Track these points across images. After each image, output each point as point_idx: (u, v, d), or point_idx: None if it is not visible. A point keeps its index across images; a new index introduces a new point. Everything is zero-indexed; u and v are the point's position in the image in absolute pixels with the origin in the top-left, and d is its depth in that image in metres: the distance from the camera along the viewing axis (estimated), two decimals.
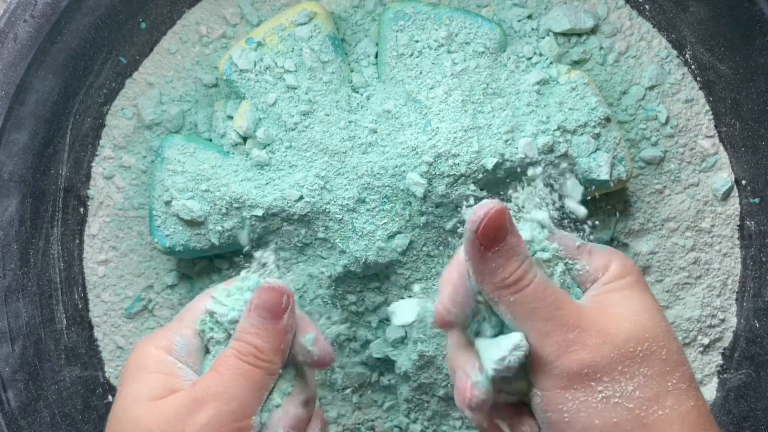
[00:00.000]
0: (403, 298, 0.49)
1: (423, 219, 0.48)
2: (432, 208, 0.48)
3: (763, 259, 0.51)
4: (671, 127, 0.51)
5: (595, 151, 0.48)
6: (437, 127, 0.47)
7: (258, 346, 0.38)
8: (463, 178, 0.47)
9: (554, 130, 0.47)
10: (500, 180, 0.48)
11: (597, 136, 0.48)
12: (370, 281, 0.50)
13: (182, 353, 0.39)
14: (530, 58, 0.49)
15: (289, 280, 0.50)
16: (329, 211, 0.48)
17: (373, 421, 0.53)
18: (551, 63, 0.49)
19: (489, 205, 0.36)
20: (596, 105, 0.47)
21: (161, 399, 0.37)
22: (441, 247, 0.49)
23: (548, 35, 0.50)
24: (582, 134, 0.47)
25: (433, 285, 0.49)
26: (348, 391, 0.53)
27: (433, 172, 0.47)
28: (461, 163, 0.46)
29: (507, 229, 0.36)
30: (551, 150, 0.47)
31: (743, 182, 0.51)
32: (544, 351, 0.36)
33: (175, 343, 0.39)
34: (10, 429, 0.49)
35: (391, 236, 0.48)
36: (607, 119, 0.48)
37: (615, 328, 0.36)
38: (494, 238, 0.36)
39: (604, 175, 0.47)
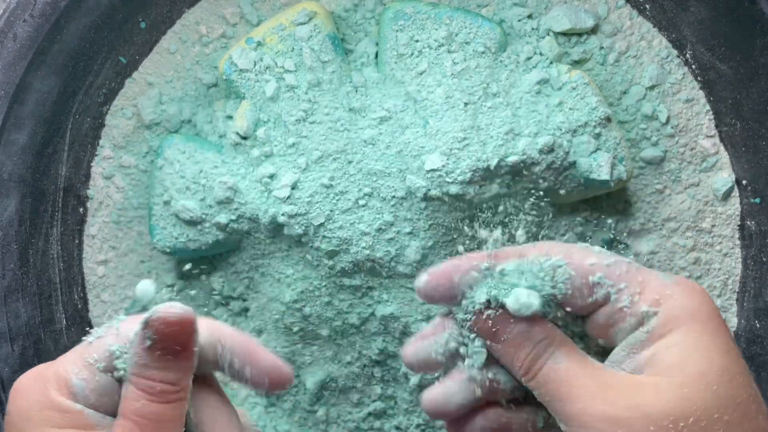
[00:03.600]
0: (395, 303, 0.49)
1: (423, 220, 0.48)
2: (432, 209, 0.48)
3: (764, 259, 0.51)
4: (672, 127, 0.51)
5: (595, 151, 0.47)
6: (437, 128, 0.47)
7: (166, 379, 0.33)
8: (464, 177, 0.47)
9: (554, 130, 0.47)
10: (493, 196, 0.48)
11: (597, 136, 0.47)
12: (369, 290, 0.50)
13: (90, 396, 0.34)
14: (530, 58, 0.49)
15: (289, 288, 0.50)
16: (329, 212, 0.48)
17: (372, 421, 0.53)
18: (551, 63, 0.49)
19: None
20: (597, 105, 0.47)
21: None
22: (441, 248, 0.49)
23: (548, 35, 0.50)
24: (582, 134, 0.47)
25: None
26: (347, 391, 0.53)
27: (434, 174, 0.47)
28: (461, 163, 0.46)
29: (504, 325, 0.34)
30: (551, 150, 0.47)
31: (744, 182, 0.51)
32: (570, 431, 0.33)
33: (74, 387, 0.33)
34: None
35: (391, 239, 0.48)
36: (608, 119, 0.48)
37: (650, 401, 0.32)
38: (495, 335, 0.35)
39: (604, 176, 0.47)
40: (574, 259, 0.35)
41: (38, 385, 0.34)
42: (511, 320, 0.34)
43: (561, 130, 0.47)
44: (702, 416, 0.31)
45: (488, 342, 0.35)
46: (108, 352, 0.34)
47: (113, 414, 0.34)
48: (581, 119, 0.47)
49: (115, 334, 0.34)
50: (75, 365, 0.34)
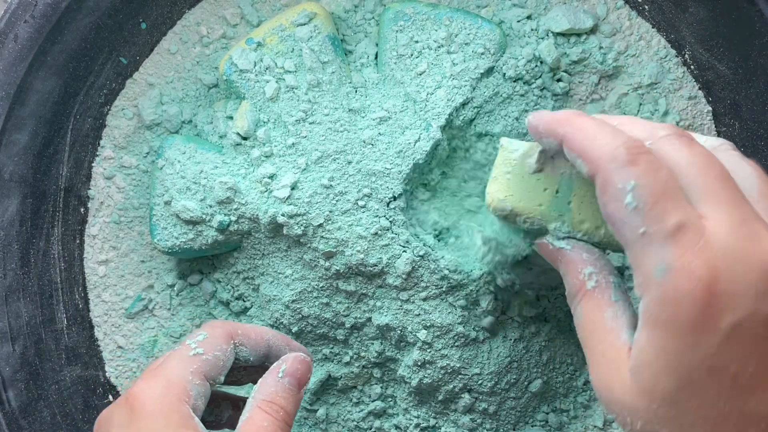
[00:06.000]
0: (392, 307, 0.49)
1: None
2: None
3: None
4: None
5: None
6: (437, 128, 0.48)
7: (288, 410, 0.40)
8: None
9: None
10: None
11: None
12: (363, 296, 0.50)
13: (195, 405, 0.39)
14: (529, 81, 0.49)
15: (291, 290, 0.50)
16: (328, 212, 0.48)
17: (372, 421, 0.53)
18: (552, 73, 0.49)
19: (537, 242, 0.39)
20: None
21: None
22: (431, 262, 0.49)
23: (548, 36, 0.50)
24: None
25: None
26: (348, 390, 0.53)
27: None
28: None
29: (553, 260, 0.38)
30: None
31: None
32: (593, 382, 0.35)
33: (191, 392, 0.39)
34: (10, 429, 0.49)
35: (385, 245, 0.48)
36: None
37: (621, 385, 0.33)
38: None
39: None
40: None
41: (168, 394, 0.38)
42: (557, 260, 0.38)
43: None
44: (646, 425, 0.32)
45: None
46: (221, 367, 0.41)
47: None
48: None
49: (219, 350, 0.41)
50: (192, 375, 0.39)
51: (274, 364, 0.42)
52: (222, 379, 0.41)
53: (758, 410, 0.31)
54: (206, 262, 0.53)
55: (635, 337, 0.33)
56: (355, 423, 0.53)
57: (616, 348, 0.33)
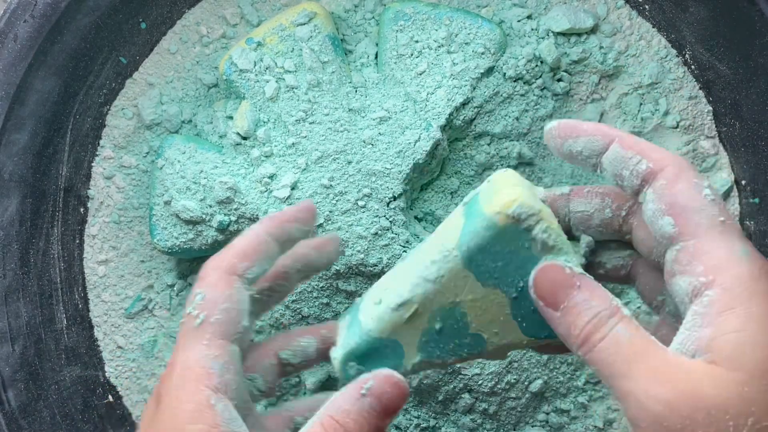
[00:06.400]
0: None
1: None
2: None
3: None
4: (672, 127, 0.51)
5: None
6: (437, 128, 0.48)
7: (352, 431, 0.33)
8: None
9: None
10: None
11: None
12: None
13: (223, 382, 0.34)
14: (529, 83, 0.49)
15: None
16: (328, 212, 0.48)
17: None
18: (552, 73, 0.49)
19: (541, 268, 0.34)
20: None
21: None
22: None
23: (548, 35, 0.50)
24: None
25: None
26: None
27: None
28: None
29: (567, 288, 0.33)
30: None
31: (743, 182, 0.51)
32: (627, 413, 0.31)
33: (212, 370, 0.34)
34: (10, 429, 0.49)
35: (385, 245, 0.48)
36: None
37: (710, 394, 0.30)
38: (554, 301, 0.33)
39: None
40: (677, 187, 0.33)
41: (184, 382, 0.34)
42: (575, 285, 0.33)
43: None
44: (763, 418, 0.30)
45: (545, 308, 0.34)
46: (237, 316, 0.35)
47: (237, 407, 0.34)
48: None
49: (224, 302, 0.35)
50: (208, 348, 0.34)
51: (360, 377, 0.35)
52: (244, 324, 0.35)
53: None
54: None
55: (711, 332, 0.31)
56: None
57: (680, 359, 0.32)
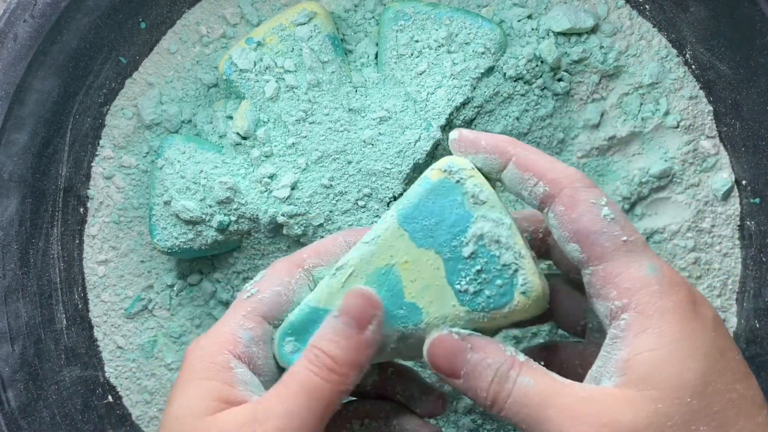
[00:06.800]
0: None
1: None
2: None
3: (764, 259, 0.51)
4: (673, 128, 0.51)
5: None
6: (438, 128, 0.47)
7: (334, 355, 0.33)
8: None
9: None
10: None
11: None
12: None
13: (248, 352, 0.35)
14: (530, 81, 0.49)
15: None
16: (328, 212, 0.48)
17: None
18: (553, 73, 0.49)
19: (433, 338, 0.34)
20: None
21: (215, 414, 0.33)
22: None
23: (548, 35, 0.50)
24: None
25: None
26: None
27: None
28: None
29: (460, 353, 0.33)
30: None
31: (743, 182, 0.51)
32: None
33: (240, 338, 0.35)
34: (10, 429, 0.49)
35: None
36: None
37: (626, 418, 0.31)
38: (451, 368, 0.34)
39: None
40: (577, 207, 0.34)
41: (205, 338, 0.35)
42: (466, 348, 0.34)
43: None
44: (678, 430, 0.31)
45: (449, 379, 0.34)
46: (285, 303, 0.36)
47: (265, 374, 0.35)
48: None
49: (278, 285, 0.36)
50: (243, 318, 0.35)
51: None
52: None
53: (758, 399, 0.32)
54: (206, 262, 0.53)
55: (626, 354, 0.32)
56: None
57: (591, 390, 0.32)
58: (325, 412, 0.33)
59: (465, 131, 0.36)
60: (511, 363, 0.33)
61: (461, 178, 0.35)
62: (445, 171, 0.35)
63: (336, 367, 0.33)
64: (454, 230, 0.35)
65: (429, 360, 0.34)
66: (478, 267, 0.35)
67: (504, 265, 0.35)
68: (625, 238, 0.33)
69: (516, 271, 0.35)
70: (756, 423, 0.31)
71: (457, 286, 0.35)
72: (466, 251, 0.35)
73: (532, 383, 0.32)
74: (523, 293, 0.35)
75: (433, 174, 0.35)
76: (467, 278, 0.35)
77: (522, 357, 0.34)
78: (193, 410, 0.33)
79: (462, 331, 0.35)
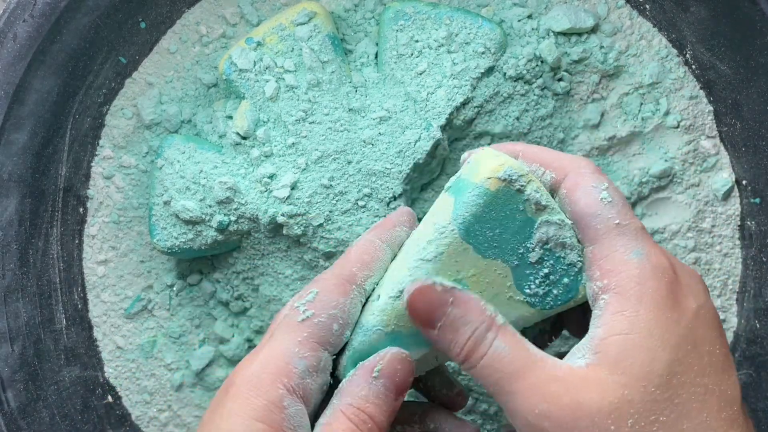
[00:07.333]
0: None
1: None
2: None
3: (764, 259, 0.51)
4: (674, 128, 0.51)
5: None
6: (438, 128, 0.47)
7: (378, 420, 0.33)
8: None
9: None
10: None
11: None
12: None
13: (302, 384, 0.33)
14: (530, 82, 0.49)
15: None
16: (328, 212, 0.48)
17: None
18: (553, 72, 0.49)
19: (413, 285, 0.33)
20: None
21: None
22: None
23: (548, 35, 0.50)
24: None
25: None
26: None
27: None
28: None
29: (441, 306, 0.33)
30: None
31: (744, 182, 0.51)
32: (516, 425, 0.32)
33: (295, 369, 0.33)
34: (9, 429, 0.49)
35: None
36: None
37: (593, 399, 0.31)
38: (428, 319, 0.33)
39: None
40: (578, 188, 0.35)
41: (262, 374, 0.33)
42: (448, 302, 0.33)
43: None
44: (640, 419, 0.31)
45: (423, 328, 0.34)
46: (342, 327, 0.34)
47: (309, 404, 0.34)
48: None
49: (334, 308, 0.35)
50: (300, 347, 0.34)
51: (367, 360, 0.34)
52: (346, 336, 0.35)
53: (731, 392, 0.33)
54: (206, 262, 0.53)
55: (602, 333, 0.32)
56: None
57: (561, 368, 0.32)
58: None
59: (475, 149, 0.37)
60: (489, 324, 0.33)
61: (521, 186, 0.34)
62: (504, 180, 0.34)
63: (374, 428, 0.33)
64: (520, 237, 0.35)
65: (408, 307, 0.34)
66: (546, 270, 0.35)
67: (569, 264, 0.35)
68: (618, 221, 0.34)
69: (580, 268, 0.35)
70: (720, 418, 0.32)
71: (527, 290, 0.35)
72: (533, 256, 0.35)
73: (507, 350, 0.32)
74: (583, 284, 0.36)
75: (491, 183, 0.34)
76: (536, 281, 0.35)
77: (501, 319, 0.33)
78: None
79: (446, 282, 0.34)
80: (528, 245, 0.35)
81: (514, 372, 0.32)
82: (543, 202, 0.35)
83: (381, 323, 0.35)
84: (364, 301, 0.36)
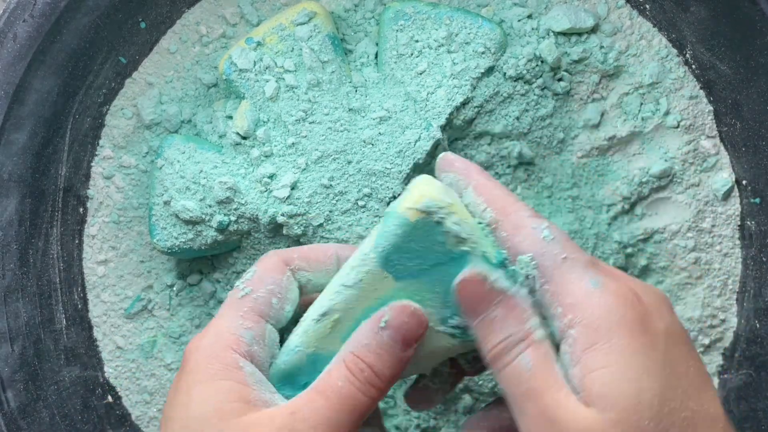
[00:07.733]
0: None
1: None
2: None
3: (764, 259, 0.51)
4: (674, 128, 0.51)
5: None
6: (437, 128, 0.47)
7: (378, 370, 0.33)
8: None
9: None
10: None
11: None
12: None
13: (250, 351, 0.35)
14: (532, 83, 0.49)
15: None
16: (328, 212, 0.48)
17: None
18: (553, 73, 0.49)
19: (468, 271, 0.33)
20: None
21: (242, 416, 0.33)
22: None
23: (548, 35, 0.50)
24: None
25: None
26: None
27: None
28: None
29: (485, 302, 0.33)
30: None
31: (744, 182, 0.51)
32: None
33: (242, 338, 0.35)
34: (9, 429, 0.49)
35: None
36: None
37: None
38: (472, 309, 0.33)
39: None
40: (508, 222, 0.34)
41: (207, 337, 0.35)
42: (494, 301, 0.33)
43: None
44: None
45: (466, 313, 0.34)
46: (280, 302, 0.36)
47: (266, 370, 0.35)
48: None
49: (271, 284, 0.36)
50: (243, 319, 0.35)
51: (377, 312, 0.34)
52: (286, 315, 0.36)
53: (713, 410, 0.32)
54: (206, 262, 0.53)
55: (579, 372, 0.31)
56: None
57: (568, 398, 0.31)
58: (359, 422, 0.33)
59: (450, 154, 0.37)
60: (525, 335, 0.33)
61: (440, 218, 0.34)
62: (424, 212, 0.34)
63: (377, 381, 0.33)
64: (441, 268, 0.34)
65: (456, 290, 0.34)
66: None
67: None
68: (564, 255, 0.33)
69: None
70: None
71: (451, 322, 0.35)
72: (455, 294, 0.35)
73: (529, 367, 0.32)
74: None
75: (411, 214, 0.34)
76: (459, 313, 0.35)
77: (539, 335, 0.33)
78: (218, 411, 0.33)
79: (501, 281, 0.33)
80: (449, 277, 0.34)
81: (529, 392, 0.32)
82: (463, 235, 0.34)
83: (302, 344, 0.36)
84: (294, 289, 0.37)
